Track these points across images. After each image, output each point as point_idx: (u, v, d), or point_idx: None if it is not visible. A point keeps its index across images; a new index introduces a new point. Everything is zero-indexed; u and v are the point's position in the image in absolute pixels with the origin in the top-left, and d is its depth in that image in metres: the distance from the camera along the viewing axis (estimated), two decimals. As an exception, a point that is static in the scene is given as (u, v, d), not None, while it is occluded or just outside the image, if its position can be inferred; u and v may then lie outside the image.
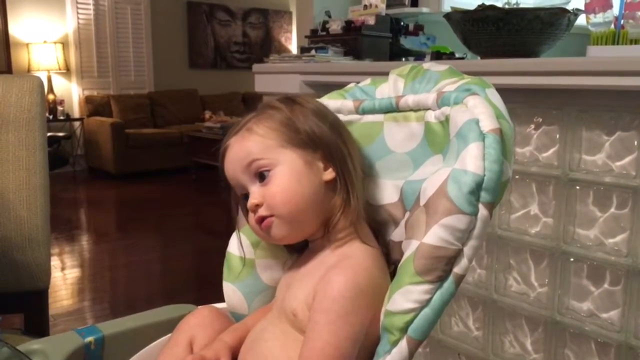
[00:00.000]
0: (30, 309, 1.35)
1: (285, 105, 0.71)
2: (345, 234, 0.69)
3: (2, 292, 1.28)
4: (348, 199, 0.68)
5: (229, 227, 0.87)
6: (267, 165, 0.68)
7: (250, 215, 0.70)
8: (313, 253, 0.72)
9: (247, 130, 0.70)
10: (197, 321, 0.77)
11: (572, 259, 1.32)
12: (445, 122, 0.66)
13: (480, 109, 0.61)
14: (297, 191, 0.67)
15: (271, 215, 0.68)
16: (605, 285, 1.27)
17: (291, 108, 0.71)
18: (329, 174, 0.69)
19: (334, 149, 0.69)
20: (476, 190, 0.58)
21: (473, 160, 0.58)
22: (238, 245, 0.85)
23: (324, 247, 0.71)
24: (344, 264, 0.65)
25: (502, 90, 0.67)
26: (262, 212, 0.68)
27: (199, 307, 0.81)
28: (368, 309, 0.62)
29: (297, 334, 0.66)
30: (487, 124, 0.60)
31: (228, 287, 0.84)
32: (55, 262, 3.22)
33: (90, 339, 0.78)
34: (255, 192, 0.68)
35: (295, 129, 0.69)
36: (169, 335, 0.77)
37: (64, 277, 3.04)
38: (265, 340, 0.69)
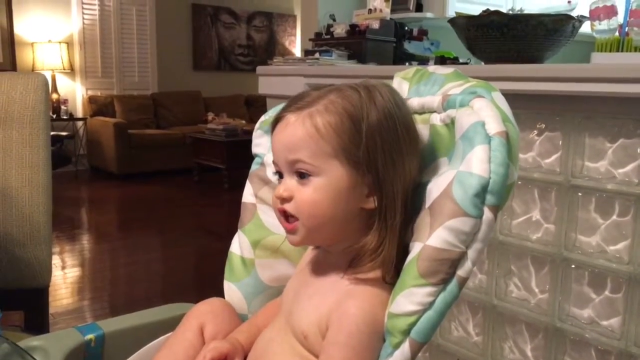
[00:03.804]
0: (30, 307, 1.35)
1: (361, 101, 0.64)
2: (368, 269, 0.64)
3: (2, 289, 1.28)
4: (382, 242, 0.63)
5: (230, 229, 0.87)
6: (311, 170, 0.63)
7: (274, 199, 0.67)
8: (327, 264, 0.69)
9: (309, 116, 0.64)
10: (207, 309, 0.77)
11: (573, 266, 1.31)
12: (450, 124, 0.66)
13: (487, 112, 0.61)
14: (328, 210, 0.63)
15: (296, 218, 0.65)
16: (606, 293, 1.27)
17: (368, 107, 0.63)
18: (370, 203, 0.64)
19: (387, 182, 0.63)
20: (482, 192, 0.58)
21: (479, 162, 0.58)
22: (239, 245, 0.85)
23: (340, 265, 0.67)
24: (361, 293, 0.63)
25: (505, 96, 0.67)
26: (288, 207, 0.65)
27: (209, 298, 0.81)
28: (381, 342, 0.61)
29: (306, 353, 0.66)
30: (493, 126, 0.59)
31: (229, 287, 0.85)
32: (56, 260, 3.22)
33: (90, 336, 0.78)
34: (289, 186, 0.65)
35: (358, 141, 0.62)
36: (169, 334, 0.77)
37: (65, 275, 3.04)
38: (274, 354, 0.68)
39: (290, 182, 0.65)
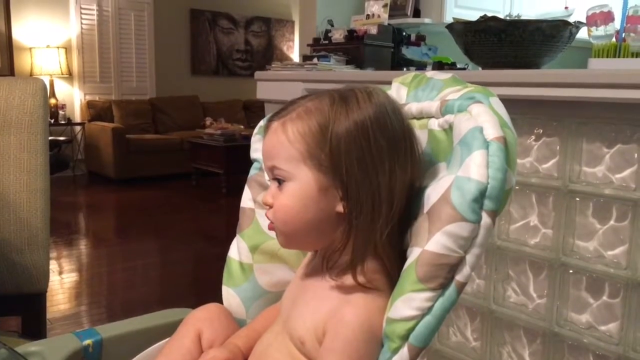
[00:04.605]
0: (28, 312, 1.34)
1: (331, 107, 0.65)
2: (338, 273, 0.65)
3: (0, 294, 1.28)
4: (347, 245, 0.64)
5: (228, 234, 0.87)
6: (284, 176, 0.65)
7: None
8: (321, 269, 0.69)
9: (282, 124, 0.66)
10: (204, 315, 0.77)
11: (571, 271, 1.32)
12: (448, 130, 0.66)
13: (485, 117, 0.61)
14: (299, 214, 0.65)
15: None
16: (604, 298, 1.27)
17: (337, 113, 0.64)
18: (342, 207, 0.65)
19: (352, 186, 0.63)
20: (480, 198, 0.58)
21: (477, 168, 0.58)
22: (237, 250, 0.85)
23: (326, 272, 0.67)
24: (358, 300, 0.63)
25: (503, 101, 0.67)
26: (268, 213, 0.68)
27: (206, 304, 0.81)
28: (379, 349, 0.62)
29: (304, 359, 0.66)
30: (491, 132, 0.60)
31: (227, 292, 0.84)
32: (53, 265, 3.21)
33: (88, 341, 0.78)
34: (271, 191, 0.68)
35: (322, 144, 0.63)
36: (167, 339, 0.77)
37: (62, 281, 3.03)
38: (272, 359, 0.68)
39: (272, 189, 0.68)
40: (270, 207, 0.67)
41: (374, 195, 0.63)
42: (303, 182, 0.64)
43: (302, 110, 0.66)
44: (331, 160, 0.63)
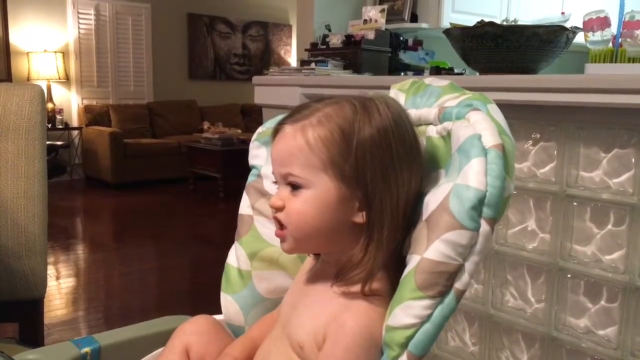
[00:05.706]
0: (25, 318, 1.34)
1: (355, 116, 0.64)
2: (353, 282, 0.64)
3: (-3, 301, 1.27)
4: (366, 257, 0.63)
5: (226, 239, 0.87)
6: (301, 183, 0.64)
7: (270, 207, 0.68)
8: (324, 274, 0.69)
9: (301, 129, 0.64)
10: (193, 329, 0.76)
11: (569, 275, 1.32)
12: (447, 137, 0.66)
13: (483, 125, 0.61)
14: (315, 221, 0.64)
15: (285, 227, 0.66)
16: (602, 302, 1.27)
17: (360, 122, 0.63)
18: (360, 218, 0.64)
19: (375, 197, 0.62)
20: (478, 205, 0.58)
21: (475, 175, 0.58)
22: (236, 257, 0.85)
23: (333, 275, 0.67)
24: (359, 307, 0.63)
25: (500, 106, 0.67)
26: (279, 216, 0.66)
27: (195, 315, 0.80)
28: (379, 356, 0.62)
29: None
30: (490, 139, 0.60)
31: (225, 299, 0.84)
32: (50, 271, 3.20)
33: (86, 349, 0.77)
34: (282, 195, 0.66)
35: (347, 154, 0.62)
36: (161, 349, 0.77)
37: (59, 286, 3.02)
38: None
39: (284, 192, 0.66)
40: (279, 209, 0.66)
41: (393, 206, 0.63)
42: (321, 191, 0.63)
43: (322, 116, 0.64)
44: (355, 170, 0.62)
